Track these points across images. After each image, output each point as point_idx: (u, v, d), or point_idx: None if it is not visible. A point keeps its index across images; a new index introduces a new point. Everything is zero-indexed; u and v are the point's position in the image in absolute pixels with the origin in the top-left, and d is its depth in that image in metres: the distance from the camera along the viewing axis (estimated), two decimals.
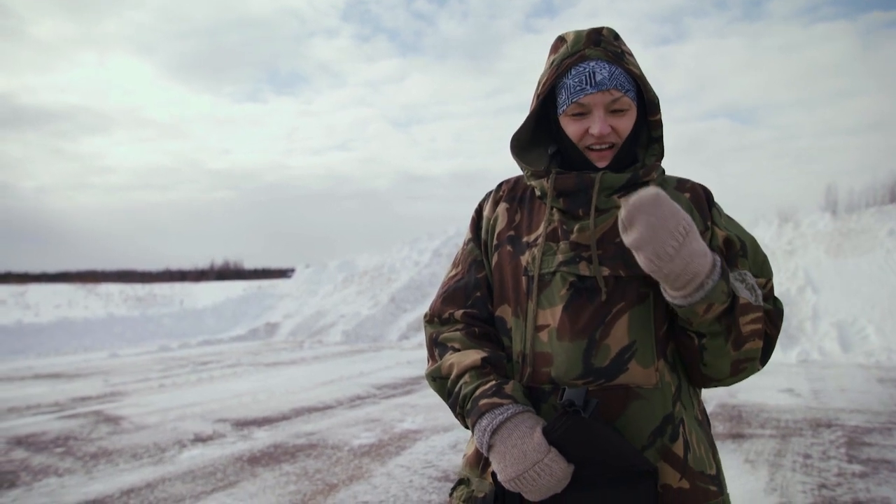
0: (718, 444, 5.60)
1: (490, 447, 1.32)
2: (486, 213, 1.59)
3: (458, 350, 1.45)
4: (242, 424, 6.76)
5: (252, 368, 11.10)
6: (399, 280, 19.02)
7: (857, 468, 4.94)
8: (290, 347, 14.64)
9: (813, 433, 6.02)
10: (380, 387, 8.90)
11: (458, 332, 1.48)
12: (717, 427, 6.26)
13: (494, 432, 1.31)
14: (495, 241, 1.53)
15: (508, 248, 1.49)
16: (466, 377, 1.40)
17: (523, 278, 1.43)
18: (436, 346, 1.50)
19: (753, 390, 8.09)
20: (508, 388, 1.36)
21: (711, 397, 7.62)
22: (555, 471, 1.24)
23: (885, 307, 11.89)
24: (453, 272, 1.59)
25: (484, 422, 1.32)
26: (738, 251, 1.42)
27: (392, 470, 5.11)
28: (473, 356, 1.42)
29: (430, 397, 7.92)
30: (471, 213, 1.65)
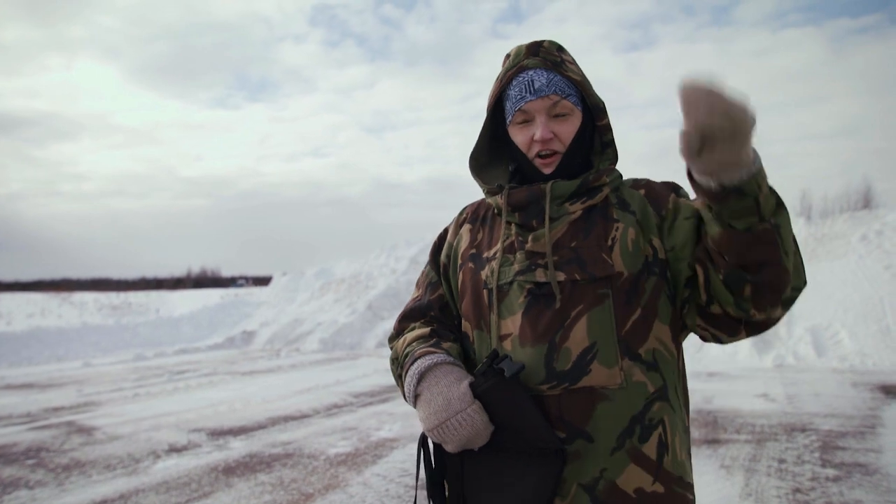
0: (694, 450, 5.63)
1: (417, 396, 1.38)
2: (449, 237, 1.64)
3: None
4: (218, 434, 6.70)
5: (228, 377, 11.02)
6: (376, 288, 18.96)
7: (830, 472, 4.98)
8: (266, 356, 14.55)
9: (787, 438, 6.06)
10: (357, 395, 8.86)
11: (415, 325, 1.57)
12: (693, 433, 6.29)
13: (421, 378, 1.37)
14: (459, 261, 1.57)
15: (470, 265, 1.52)
16: (413, 344, 1.47)
17: (484, 291, 1.46)
18: (395, 359, 1.55)
19: (729, 396, 8.15)
20: (446, 345, 1.45)
21: None
22: (476, 422, 1.29)
23: (858, 312, 12.02)
24: (415, 294, 1.66)
25: (414, 367, 1.39)
26: None
27: (368, 479, 5.08)
28: (423, 329, 1.52)
29: (407, 405, 7.89)
30: (447, 219, 1.70)
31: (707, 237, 1.27)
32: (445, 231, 1.67)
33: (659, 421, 1.35)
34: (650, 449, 1.33)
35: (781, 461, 5.31)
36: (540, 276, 1.39)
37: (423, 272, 1.67)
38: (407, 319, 1.60)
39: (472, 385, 1.32)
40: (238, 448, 6.12)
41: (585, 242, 1.40)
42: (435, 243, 1.67)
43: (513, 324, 1.39)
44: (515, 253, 1.44)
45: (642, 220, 1.42)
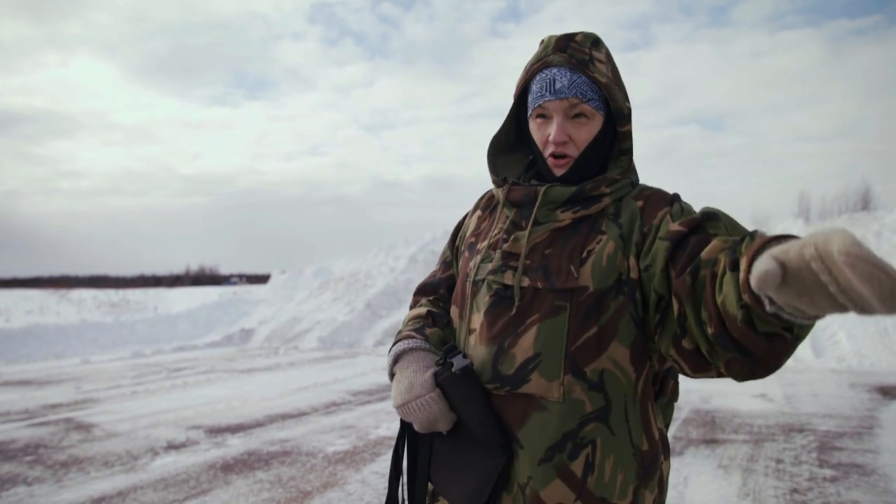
0: (692, 450, 5.64)
1: (392, 376, 1.48)
2: (466, 220, 1.69)
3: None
4: (216, 431, 6.70)
5: (226, 375, 11.01)
6: (375, 286, 18.95)
7: (828, 473, 4.99)
8: (265, 354, 14.53)
9: (785, 438, 6.08)
10: (355, 393, 8.86)
11: (424, 301, 1.65)
12: (691, 433, 6.30)
13: (397, 359, 1.47)
14: (462, 247, 1.61)
15: (466, 254, 1.57)
16: (410, 322, 1.55)
17: (467, 283, 1.50)
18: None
19: (727, 396, 8.16)
20: (430, 330, 1.51)
21: (685, 403, 7.67)
22: (433, 408, 1.37)
23: None
24: (433, 270, 1.73)
25: (393, 349, 1.48)
26: (700, 221, 1.28)
27: (367, 477, 5.08)
28: (422, 309, 1.60)
29: None
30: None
31: (716, 300, 1.09)
32: (467, 214, 1.71)
33: (590, 441, 1.33)
34: (577, 467, 1.32)
35: (779, 461, 5.32)
36: (508, 278, 1.40)
37: (443, 249, 1.74)
38: (420, 294, 1.68)
39: (435, 374, 1.39)
40: (236, 445, 6.12)
41: (559, 251, 1.38)
42: (458, 223, 1.73)
43: (477, 320, 1.43)
44: (497, 250, 1.46)
45: (626, 234, 1.37)
